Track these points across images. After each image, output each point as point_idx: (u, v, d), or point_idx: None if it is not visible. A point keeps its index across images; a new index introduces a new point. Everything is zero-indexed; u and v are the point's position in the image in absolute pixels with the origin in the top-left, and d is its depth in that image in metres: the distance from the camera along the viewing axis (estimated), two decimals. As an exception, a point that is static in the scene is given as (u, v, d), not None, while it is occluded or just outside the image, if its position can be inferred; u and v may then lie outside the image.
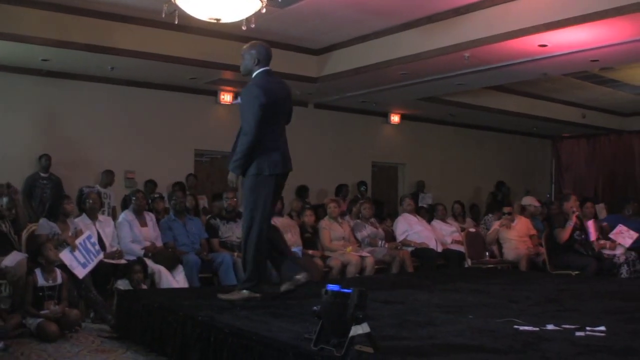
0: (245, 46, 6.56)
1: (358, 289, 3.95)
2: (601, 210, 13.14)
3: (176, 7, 7.80)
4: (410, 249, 11.41)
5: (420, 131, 18.00)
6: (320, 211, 11.80)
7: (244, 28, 8.19)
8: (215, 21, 8.11)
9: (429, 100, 15.46)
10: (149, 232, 9.32)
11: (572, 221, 10.13)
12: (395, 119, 17.40)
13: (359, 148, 16.67)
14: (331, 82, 13.38)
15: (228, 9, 7.81)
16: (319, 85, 13.68)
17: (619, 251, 10.74)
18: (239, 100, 6.25)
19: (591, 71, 14.08)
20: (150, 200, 10.63)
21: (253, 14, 7.98)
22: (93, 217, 8.86)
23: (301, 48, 13.16)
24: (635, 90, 16.51)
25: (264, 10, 7.94)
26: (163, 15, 7.98)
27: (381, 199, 15.66)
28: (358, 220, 11.47)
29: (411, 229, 11.81)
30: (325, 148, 15.80)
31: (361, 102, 15.56)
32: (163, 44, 11.51)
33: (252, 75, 6.48)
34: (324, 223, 10.89)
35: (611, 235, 10.99)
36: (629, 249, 10.81)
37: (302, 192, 14.42)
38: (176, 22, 8.14)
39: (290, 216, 11.30)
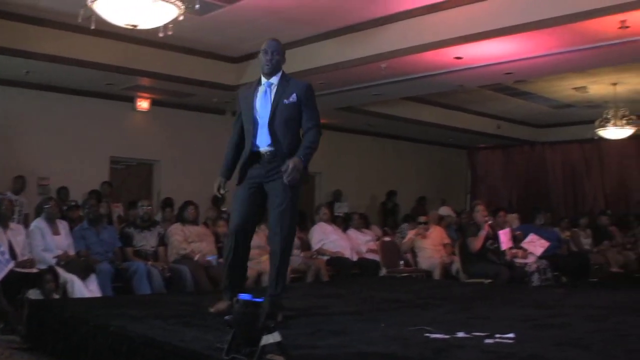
0: (273, 41, 6.07)
1: (270, 298, 3.96)
2: (514, 220, 13.39)
3: (93, 12, 7.71)
4: (325, 257, 11.44)
5: (338, 140, 18.07)
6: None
7: (161, 35, 8.15)
8: (132, 27, 8.05)
9: (347, 109, 15.56)
10: (62, 241, 9.15)
11: (485, 230, 10.30)
12: (313, 127, 17.43)
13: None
14: (249, 91, 13.34)
15: (145, 15, 7.76)
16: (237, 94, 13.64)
17: (530, 260, 10.96)
18: (294, 98, 5.85)
19: (506, 83, 14.35)
20: (66, 209, 10.47)
21: (171, 21, 7.94)
22: (4, 225, 8.67)
23: (219, 56, 13.14)
24: (549, 102, 16.89)
25: (181, 18, 7.91)
26: (79, 20, 7.87)
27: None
28: (273, 230, 11.42)
29: (327, 237, 11.84)
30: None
31: (280, 110, 15.56)
32: (79, 48, 11.37)
33: (277, 73, 5.96)
34: (240, 232, 10.84)
35: (523, 244, 11.23)
36: (540, 257, 11.07)
37: (218, 200, 14.35)
38: (93, 27, 8.04)
39: (206, 225, 11.24)
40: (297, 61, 12.06)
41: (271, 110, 5.81)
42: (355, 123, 17.43)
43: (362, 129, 18.12)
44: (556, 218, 15.13)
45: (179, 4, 7.72)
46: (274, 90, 5.88)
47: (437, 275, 11.61)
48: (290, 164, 5.59)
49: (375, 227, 14.49)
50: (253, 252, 10.50)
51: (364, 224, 13.56)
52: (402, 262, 11.93)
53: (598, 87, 15.02)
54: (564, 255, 12.67)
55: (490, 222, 10.49)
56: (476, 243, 10.27)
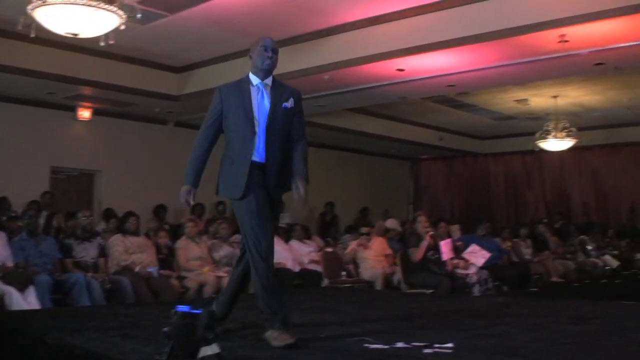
0: (271, 39, 5.59)
1: (208, 309, 3.96)
2: (455, 231, 13.49)
3: (33, 20, 7.65)
4: (267, 269, 11.40)
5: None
6: (180, 230, 11.72)
7: (102, 44, 8.11)
8: (73, 36, 8.00)
9: (290, 120, 15.53)
10: (0, 252, 9.04)
11: (426, 241, 10.37)
12: (255, 138, 17.30)
13: (217, 167, 16.37)
14: (192, 101, 13.29)
15: (86, 23, 7.71)
16: (180, 104, 13.60)
17: (471, 270, 11.05)
18: (291, 103, 5.49)
19: (448, 95, 14.50)
20: (5, 219, 10.34)
21: (112, 30, 7.90)
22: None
23: (162, 65, 13.07)
24: (491, 114, 17.11)
25: (123, 27, 7.88)
26: (19, 27, 7.79)
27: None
28: (215, 240, 11.40)
29: (269, 248, 11.78)
30: (183, 167, 15.43)
31: (222, 121, 15.45)
32: (20, 56, 11.19)
33: (271, 74, 5.57)
34: (181, 243, 10.83)
35: (464, 255, 11.33)
36: (482, 267, 11.17)
37: (160, 211, 14.26)
38: (33, 35, 7.97)
39: (147, 236, 11.15)
40: (240, 71, 11.86)
41: (270, 114, 5.40)
42: (299, 134, 17.32)
43: (305, 140, 18.06)
44: (498, 228, 15.31)
45: (121, 13, 7.69)
46: (269, 92, 5.47)
47: (379, 285, 11.67)
48: (303, 189, 5.49)
49: (317, 238, 14.49)
50: (194, 264, 10.60)
51: (306, 234, 13.61)
52: (344, 273, 11.95)
53: (539, 99, 15.27)
54: (505, 266, 12.81)
55: (431, 233, 10.58)
56: (417, 254, 10.34)
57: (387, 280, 11.80)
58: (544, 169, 20.27)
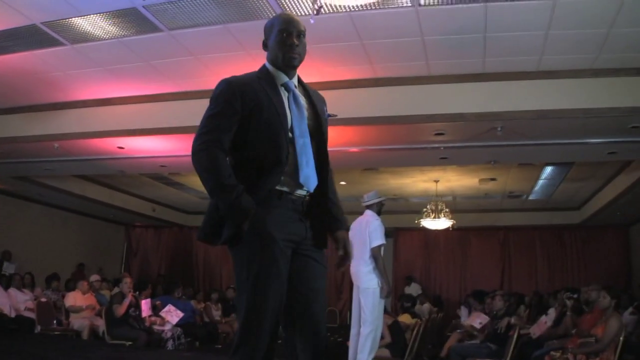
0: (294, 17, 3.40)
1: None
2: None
3: None
4: (-16, 315, 11.17)
5: (9, 205, 17.42)
6: None
7: None
8: None
9: (22, 179, 15.11)
10: None
11: (129, 299, 10.60)
12: (-14, 192, 16.72)
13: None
14: None
15: None
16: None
17: (167, 327, 11.42)
18: (326, 113, 3.50)
19: (161, 174, 14.84)
20: None
21: None
22: None
23: None
24: (197, 193, 17.67)
25: None
26: None
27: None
28: None
29: (-13, 296, 11.56)
30: None
31: (-46, 174, 14.84)
32: None
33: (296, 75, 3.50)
34: None
35: (161, 313, 11.68)
36: (176, 325, 11.54)
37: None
38: None
39: None
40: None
41: (312, 127, 3.36)
42: (28, 191, 16.87)
43: (33, 197, 17.62)
44: (194, 292, 15.78)
45: None
46: (304, 95, 3.44)
47: (85, 335, 11.67)
48: (348, 244, 3.43)
49: (39, 288, 14.21)
50: None
51: (31, 284, 13.51)
52: (55, 322, 11.90)
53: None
54: (197, 324, 13.21)
55: (134, 293, 10.84)
56: (120, 310, 10.51)
57: (94, 330, 11.83)
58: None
